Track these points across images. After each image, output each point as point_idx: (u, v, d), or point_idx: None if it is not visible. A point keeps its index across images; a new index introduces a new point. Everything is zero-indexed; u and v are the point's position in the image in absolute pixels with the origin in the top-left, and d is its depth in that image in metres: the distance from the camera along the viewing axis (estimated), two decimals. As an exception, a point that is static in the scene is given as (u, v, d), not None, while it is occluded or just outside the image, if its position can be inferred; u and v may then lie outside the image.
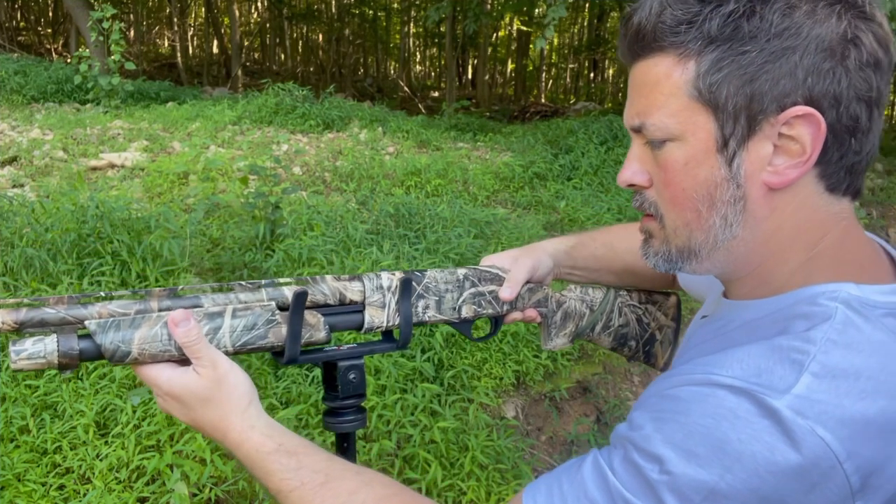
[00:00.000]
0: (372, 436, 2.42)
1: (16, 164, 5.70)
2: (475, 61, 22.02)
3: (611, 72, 24.04)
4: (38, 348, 0.69)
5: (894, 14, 5.54)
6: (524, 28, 18.95)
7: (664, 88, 0.64)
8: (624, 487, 0.59)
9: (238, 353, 0.80)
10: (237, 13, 20.37)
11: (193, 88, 13.14)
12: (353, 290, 0.88)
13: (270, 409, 2.41)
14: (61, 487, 2.10)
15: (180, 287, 0.80)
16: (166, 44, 23.26)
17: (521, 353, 3.13)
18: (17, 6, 20.10)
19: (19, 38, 18.78)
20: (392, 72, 25.20)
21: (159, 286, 2.98)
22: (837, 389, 0.56)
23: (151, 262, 3.06)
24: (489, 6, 15.03)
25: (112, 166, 5.76)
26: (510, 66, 24.16)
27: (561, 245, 1.09)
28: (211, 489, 2.10)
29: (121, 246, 3.05)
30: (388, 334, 0.95)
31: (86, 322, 0.72)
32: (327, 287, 0.86)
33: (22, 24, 20.91)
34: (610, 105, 17.96)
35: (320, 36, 24.08)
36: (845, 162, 0.63)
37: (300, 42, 25.07)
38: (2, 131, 6.77)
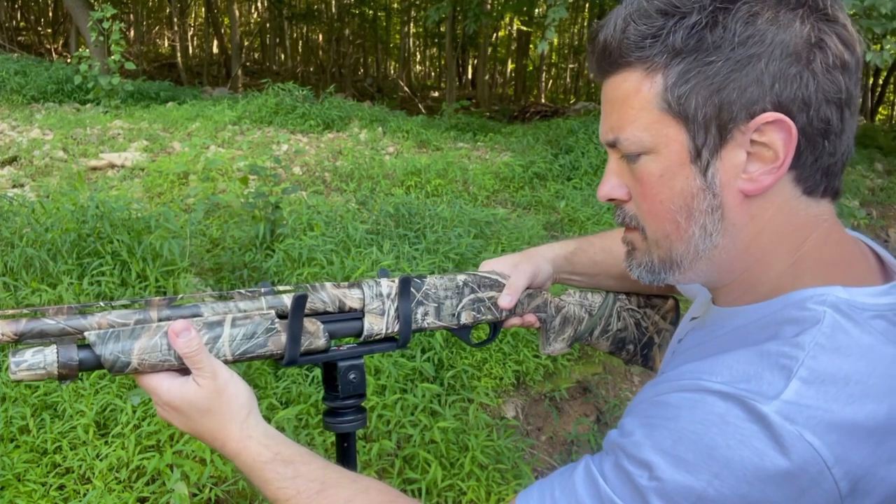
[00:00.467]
0: (372, 436, 2.42)
1: (16, 164, 5.70)
2: (475, 61, 22.02)
3: (611, 72, 23.97)
4: (38, 359, 0.69)
5: (895, 13, 5.54)
6: (524, 28, 18.95)
7: (634, 103, 0.65)
8: (614, 494, 0.60)
9: (238, 362, 0.80)
10: (237, 13, 20.37)
11: (193, 88, 13.15)
12: (352, 298, 0.88)
13: (270, 410, 2.41)
14: (61, 487, 2.10)
15: (179, 296, 0.80)
16: (166, 44, 23.27)
17: (521, 353, 3.13)
18: (17, 6, 20.11)
19: (19, 38, 18.79)
20: (392, 72, 25.21)
21: (159, 286, 2.98)
22: (826, 394, 0.56)
23: (151, 262, 3.06)
24: (489, 6, 15.03)
25: (112, 166, 5.76)
26: (510, 66, 24.16)
27: (560, 251, 1.09)
28: (211, 489, 2.10)
29: (121, 246, 3.05)
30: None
31: (85, 333, 0.72)
32: (327, 295, 0.87)
33: (22, 24, 20.92)
34: (610, 105, 17.91)
35: (320, 36, 24.09)
36: (820, 164, 0.63)
37: (300, 42, 25.08)
38: (2, 131, 6.77)
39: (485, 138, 8.67)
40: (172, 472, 2.08)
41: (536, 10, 15.05)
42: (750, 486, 0.55)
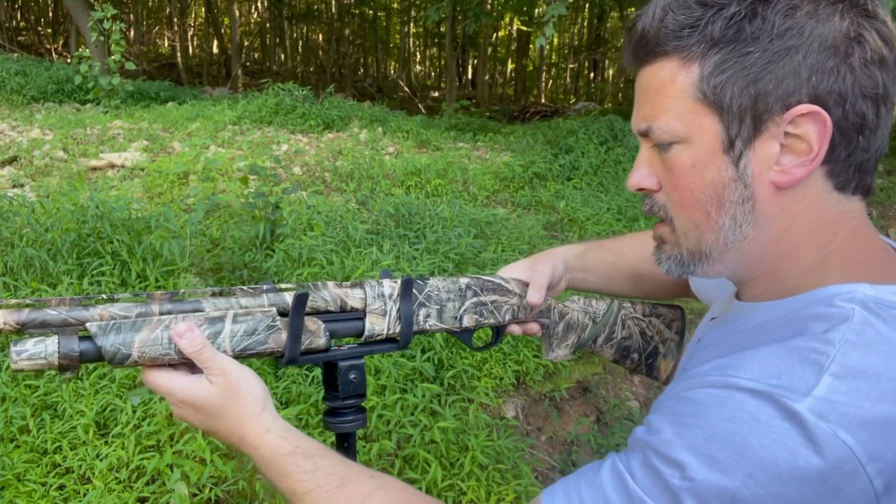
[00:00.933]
0: (372, 436, 2.42)
1: (16, 164, 5.70)
2: (475, 61, 22.02)
3: (611, 72, 24.04)
4: (39, 349, 0.69)
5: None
6: (524, 28, 18.95)
7: (669, 92, 0.65)
8: (644, 492, 0.59)
9: (238, 358, 0.80)
10: (237, 13, 20.37)
11: (193, 88, 13.14)
12: (354, 298, 0.88)
13: (270, 409, 2.40)
14: (61, 487, 2.10)
15: (182, 291, 0.80)
16: (166, 44, 23.27)
17: (521, 353, 3.13)
18: (17, 6, 20.11)
19: (19, 38, 18.79)
20: (392, 72, 25.20)
21: (159, 286, 2.98)
22: (858, 391, 0.55)
23: (151, 262, 3.06)
24: (489, 6, 15.03)
25: (112, 166, 5.76)
26: (510, 66, 24.17)
27: (571, 250, 1.10)
28: (211, 489, 2.10)
29: (121, 246, 3.05)
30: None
31: (87, 324, 0.72)
32: (328, 294, 0.86)
33: (22, 24, 20.92)
34: (610, 105, 17.98)
35: (320, 36, 24.09)
36: (853, 160, 0.63)
37: (300, 42, 25.08)
38: (2, 131, 6.77)
39: (485, 138, 8.67)
40: (172, 472, 2.08)
41: (536, 10, 15.05)
42: (784, 485, 0.54)
